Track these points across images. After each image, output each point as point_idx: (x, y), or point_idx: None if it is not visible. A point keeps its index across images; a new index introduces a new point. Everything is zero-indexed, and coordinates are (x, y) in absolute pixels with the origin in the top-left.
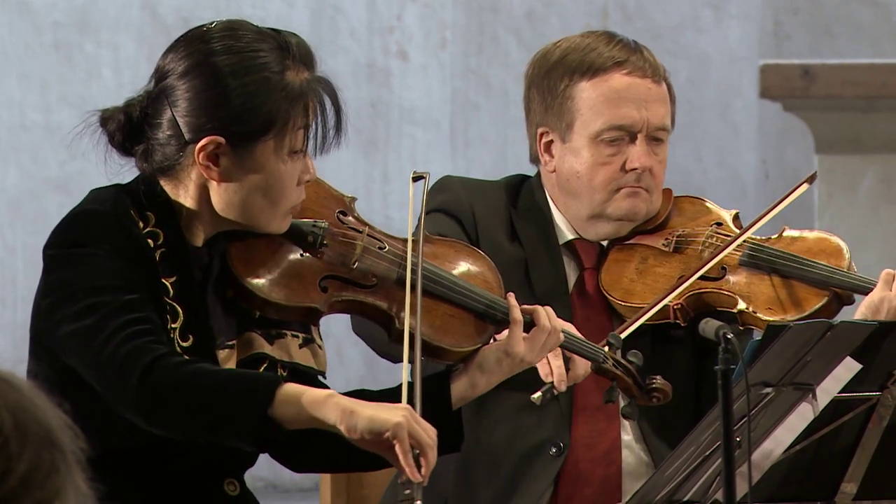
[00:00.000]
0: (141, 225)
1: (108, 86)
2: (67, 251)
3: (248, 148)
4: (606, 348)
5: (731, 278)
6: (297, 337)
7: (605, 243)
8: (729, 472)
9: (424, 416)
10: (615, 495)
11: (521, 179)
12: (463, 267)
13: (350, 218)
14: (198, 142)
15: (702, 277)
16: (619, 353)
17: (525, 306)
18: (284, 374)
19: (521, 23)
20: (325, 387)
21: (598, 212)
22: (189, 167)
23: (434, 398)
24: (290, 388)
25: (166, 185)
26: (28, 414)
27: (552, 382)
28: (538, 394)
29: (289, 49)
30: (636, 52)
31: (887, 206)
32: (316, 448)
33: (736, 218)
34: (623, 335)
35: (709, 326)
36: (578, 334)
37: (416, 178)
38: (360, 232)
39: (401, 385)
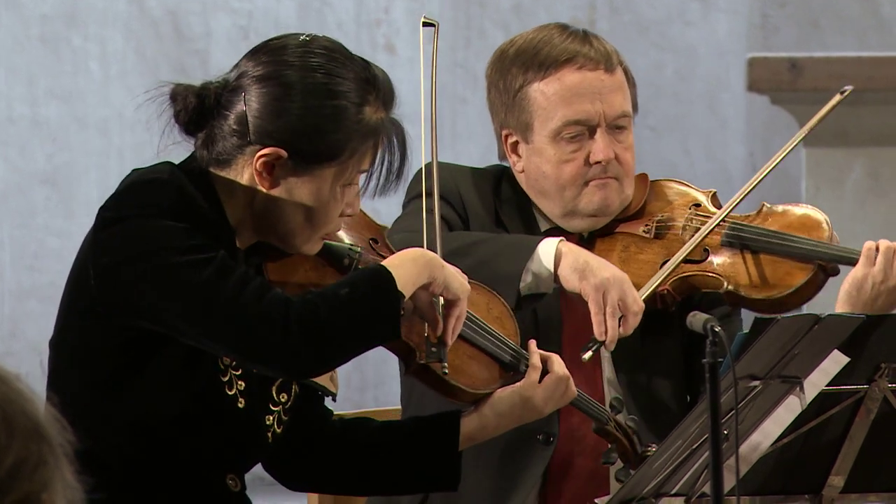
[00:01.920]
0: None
1: (96, 79)
2: (137, 211)
3: (306, 169)
4: (610, 409)
5: (715, 259)
6: None
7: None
8: (716, 465)
9: (429, 454)
10: (603, 487)
11: (501, 170)
12: (484, 309)
13: (381, 247)
14: (260, 147)
15: (686, 261)
16: (621, 416)
17: (542, 352)
18: (298, 390)
19: (509, 16)
20: (329, 408)
21: (571, 208)
22: (243, 166)
23: (442, 436)
24: (392, 266)
25: (217, 178)
26: (15, 406)
27: (603, 341)
28: (589, 353)
29: (374, 84)
30: (586, 44)
31: (874, 199)
32: (311, 465)
33: (714, 197)
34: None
35: (696, 320)
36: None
37: (426, 24)
38: None
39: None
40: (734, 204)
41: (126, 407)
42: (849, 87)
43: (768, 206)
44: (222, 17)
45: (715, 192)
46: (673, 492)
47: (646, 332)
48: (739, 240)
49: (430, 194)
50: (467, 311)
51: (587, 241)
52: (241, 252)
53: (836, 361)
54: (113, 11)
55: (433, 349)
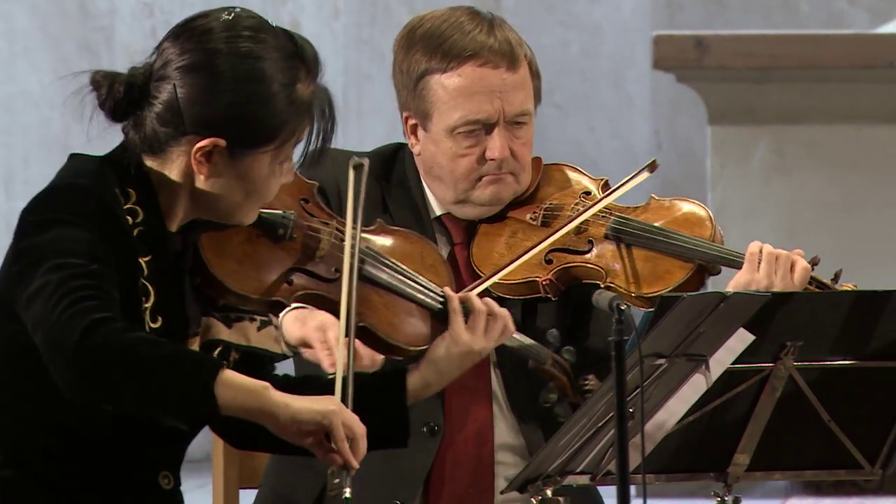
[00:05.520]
0: (122, 201)
1: (2, 56)
2: (44, 219)
3: (245, 154)
4: (546, 346)
5: (598, 252)
6: (255, 320)
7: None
8: (622, 442)
9: (378, 412)
10: (487, 474)
11: (396, 149)
12: (418, 259)
13: (313, 206)
14: (198, 137)
15: (569, 251)
16: (558, 352)
17: (460, 294)
18: (237, 357)
19: None
20: (274, 375)
21: (463, 198)
22: (179, 154)
23: (391, 394)
24: (231, 373)
25: (150, 164)
26: None
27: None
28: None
29: (302, 58)
30: (492, 36)
31: (780, 177)
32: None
33: (605, 185)
34: (475, 292)
35: (602, 297)
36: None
37: (357, 167)
38: (327, 225)
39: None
40: (610, 196)
41: (52, 409)
42: (653, 160)
43: (657, 199)
44: None
45: (606, 181)
46: (578, 470)
47: (526, 315)
48: (623, 234)
49: None
50: (393, 263)
51: (475, 224)
52: (173, 235)
53: (741, 339)
54: None
55: (335, 481)
